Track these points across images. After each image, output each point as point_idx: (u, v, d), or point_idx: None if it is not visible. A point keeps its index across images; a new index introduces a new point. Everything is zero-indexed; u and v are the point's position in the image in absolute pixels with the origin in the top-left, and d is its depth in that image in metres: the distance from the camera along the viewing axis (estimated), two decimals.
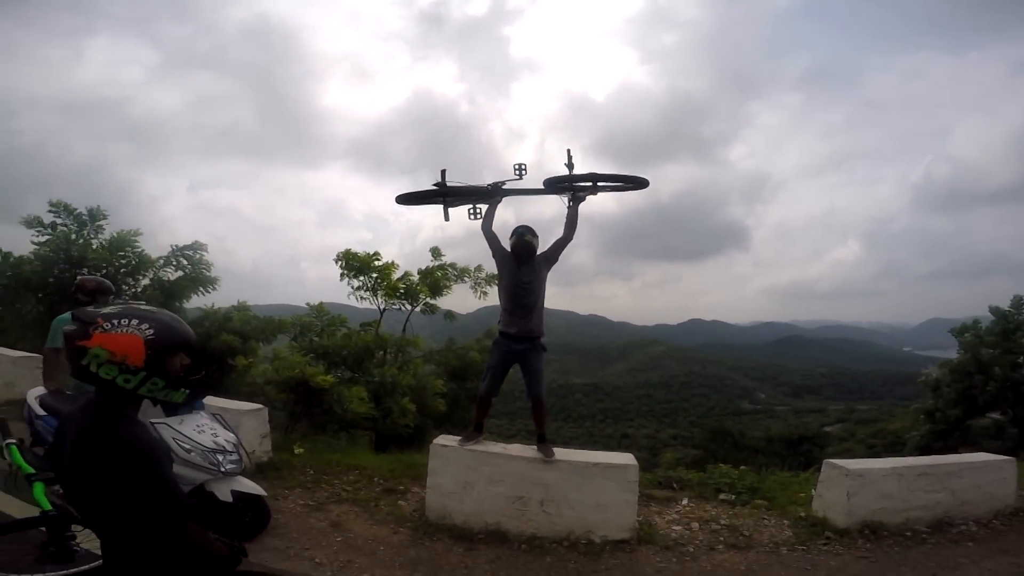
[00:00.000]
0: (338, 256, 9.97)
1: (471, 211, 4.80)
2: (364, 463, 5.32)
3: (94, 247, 8.62)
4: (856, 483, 4.24)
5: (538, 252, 4.17)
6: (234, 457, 3.62)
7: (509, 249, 4.17)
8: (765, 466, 6.73)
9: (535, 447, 4.17)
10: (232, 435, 3.77)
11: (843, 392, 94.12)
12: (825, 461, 4.72)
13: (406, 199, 4.77)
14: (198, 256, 9.21)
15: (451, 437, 4.41)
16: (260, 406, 5.26)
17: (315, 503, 4.32)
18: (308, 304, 10.20)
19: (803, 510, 4.61)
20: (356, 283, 9.99)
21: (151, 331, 1.42)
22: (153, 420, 3.59)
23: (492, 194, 4.55)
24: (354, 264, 9.82)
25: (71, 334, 1.38)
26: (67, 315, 4.18)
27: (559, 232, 4.30)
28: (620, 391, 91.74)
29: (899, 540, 3.97)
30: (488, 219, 4.33)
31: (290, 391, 6.76)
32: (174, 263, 9.19)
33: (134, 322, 1.41)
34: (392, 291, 9.91)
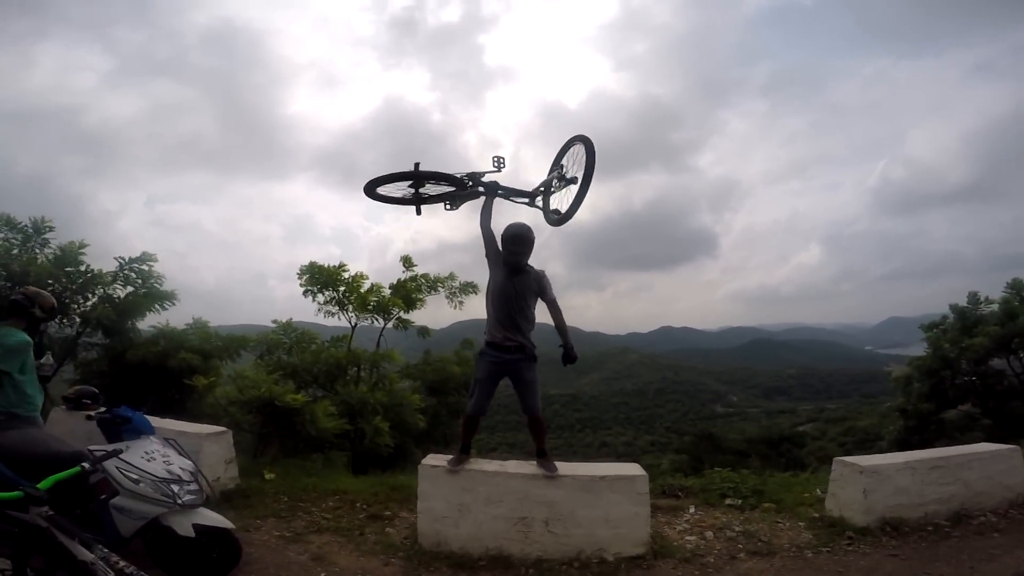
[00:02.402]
0: (301, 270, 9.46)
1: (447, 204, 4.48)
2: (344, 487, 4.84)
3: (39, 261, 7.91)
4: (872, 480, 4.06)
5: (534, 271, 3.85)
6: (192, 487, 3.15)
7: (502, 250, 3.82)
8: (751, 467, 6.56)
9: (534, 463, 3.81)
10: (188, 462, 3.30)
11: (811, 392, 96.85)
12: (835, 459, 4.54)
13: (374, 186, 4.35)
14: (147, 268, 8.56)
15: (440, 456, 4.00)
16: (223, 429, 4.75)
17: (292, 534, 3.84)
18: (275, 321, 9.61)
19: (814, 511, 4.41)
20: (322, 298, 9.47)
21: None
22: (92, 447, 3.10)
23: (477, 189, 4.24)
24: (319, 278, 9.31)
25: None
26: (23, 336, 3.53)
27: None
28: (597, 400, 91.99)
29: (923, 535, 3.80)
30: (485, 215, 3.98)
31: (257, 412, 6.20)
32: (122, 278, 8.51)
33: None
34: (362, 305, 9.42)
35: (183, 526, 3.01)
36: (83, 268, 8.16)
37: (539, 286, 3.80)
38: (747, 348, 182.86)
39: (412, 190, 4.37)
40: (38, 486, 2.00)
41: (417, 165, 4.28)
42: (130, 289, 8.52)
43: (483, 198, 4.16)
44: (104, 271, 8.40)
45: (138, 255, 8.62)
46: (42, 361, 3.80)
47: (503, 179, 4.34)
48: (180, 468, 3.14)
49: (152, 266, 8.62)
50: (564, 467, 3.75)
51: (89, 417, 3.44)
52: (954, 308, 13.90)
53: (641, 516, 3.59)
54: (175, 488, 3.01)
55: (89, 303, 8.26)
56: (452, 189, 4.38)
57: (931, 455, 4.52)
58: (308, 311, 9.59)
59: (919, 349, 14.80)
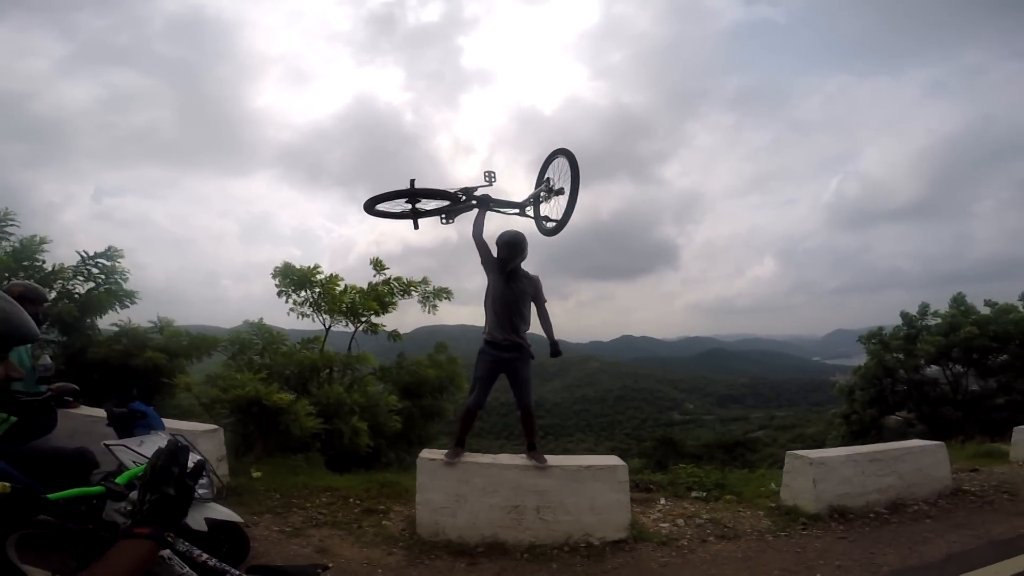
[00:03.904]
0: (275, 271, 9.46)
1: (442, 218, 4.74)
2: (334, 484, 5.00)
3: None
4: (820, 470, 4.55)
5: (529, 275, 4.18)
6: (203, 481, 3.26)
7: (497, 256, 4.13)
8: (714, 468, 7.09)
9: (524, 456, 4.11)
10: (200, 457, 3.41)
11: (762, 400, 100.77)
12: (788, 452, 5.03)
13: (374, 203, 4.60)
14: (112, 265, 8.34)
15: (437, 451, 4.25)
16: (215, 427, 4.82)
17: (291, 528, 3.98)
18: (246, 321, 9.54)
19: (771, 501, 4.87)
20: (296, 299, 9.50)
21: None
22: (108, 442, 3.18)
23: (471, 203, 4.52)
24: (293, 278, 9.35)
25: None
26: None
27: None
28: (559, 407, 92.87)
29: (867, 521, 4.29)
30: (478, 227, 4.27)
31: (241, 411, 6.23)
32: (84, 273, 8.26)
33: None
34: (336, 307, 9.49)
35: (196, 520, 3.12)
36: (42, 263, 7.91)
37: (535, 291, 4.14)
38: (703, 357, 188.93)
39: (409, 206, 4.61)
40: (118, 480, 2.13)
41: (412, 182, 4.53)
42: (91, 285, 8.28)
43: (476, 211, 4.46)
44: (65, 265, 8.16)
45: (103, 250, 8.40)
46: (40, 362, 3.80)
47: (493, 192, 4.66)
48: (192, 463, 3.25)
49: (119, 262, 8.42)
50: (552, 459, 4.07)
51: (110, 412, 3.48)
52: (904, 316, 15.00)
53: (622, 503, 3.94)
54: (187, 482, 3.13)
55: (50, 298, 8.01)
56: (446, 204, 4.65)
57: (870, 449, 5.08)
58: (263, 312, 9.59)
59: (861, 360, 15.90)
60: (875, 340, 15.02)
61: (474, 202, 4.51)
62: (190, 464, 3.07)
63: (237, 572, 2.12)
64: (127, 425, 3.41)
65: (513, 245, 4.06)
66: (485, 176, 4.53)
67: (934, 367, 14.16)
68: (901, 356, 14.11)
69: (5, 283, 7.30)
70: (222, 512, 3.27)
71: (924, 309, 14.67)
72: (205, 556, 2.17)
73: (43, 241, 8.08)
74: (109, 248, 8.44)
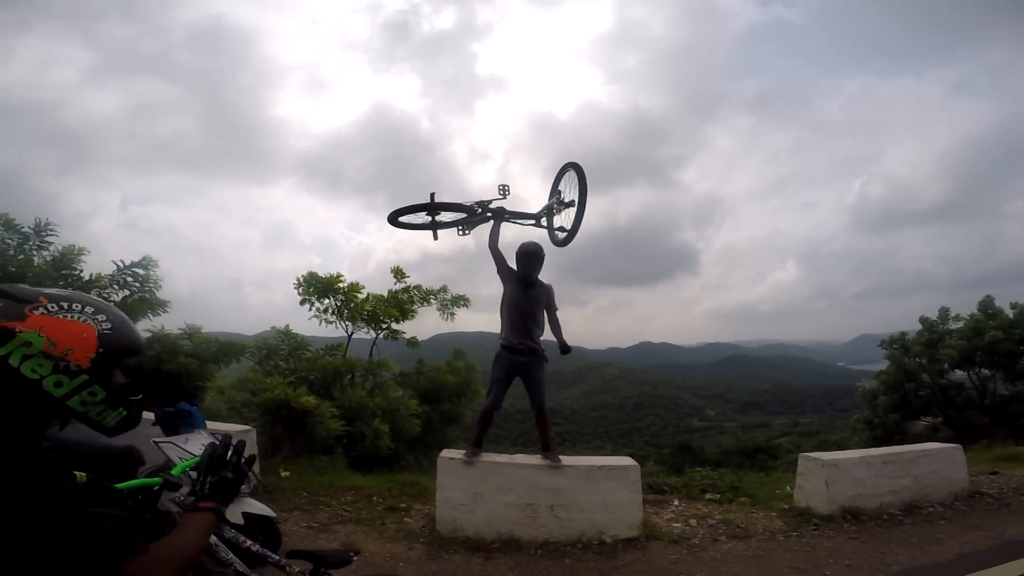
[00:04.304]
0: (299, 280, 9.83)
1: (460, 229, 4.96)
2: (358, 484, 5.22)
3: (36, 263, 8.04)
4: (832, 472, 4.61)
5: (543, 284, 4.37)
6: None
7: (514, 266, 4.33)
8: (729, 472, 7.13)
9: (539, 456, 4.28)
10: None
11: (786, 407, 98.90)
12: (801, 455, 5.09)
13: (396, 216, 4.85)
14: (147, 274, 8.74)
15: (456, 451, 4.44)
16: (248, 427, 5.08)
17: (319, 524, 4.21)
18: (273, 328, 9.91)
19: (784, 503, 4.93)
20: (320, 306, 9.84)
21: (108, 324, 1.05)
22: (157, 439, 3.44)
23: (487, 215, 4.74)
24: (318, 286, 9.70)
25: None
26: None
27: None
28: (577, 414, 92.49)
29: (879, 523, 4.34)
30: (494, 238, 4.48)
31: (270, 413, 6.52)
32: (120, 282, 8.66)
33: (88, 309, 1.04)
34: (358, 314, 9.80)
35: (233, 513, 3.35)
36: (79, 272, 8.31)
37: (548, 299, 4.33)
38: (724, 364, 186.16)
39: (429, 218, 4.85)
40: (173, 471, 2.35)
41: (432, 196, 4.78)
42: (126, 293, 8.68)
43: (492, 222, 4.68)
44: (102, 275, 8.57)
45: (139, 259, 8.81)
46: None
47: (507, 204, 4.88)
48: (246, 454, 3.49)
49: (154, 272, 8.82)
50: (566, 459, 4.23)
51: (158, 412, 3.75)
52: (923, 321, 14.77)
53: (635, 502, 4.07)
54: None
55: None
56: (464, 216, 4.88)
57: (884, 451, 5.11)
58: (285, 319, 9.94)
59: (887, 365, 15.67)
60: (897, 345, 14.80)
61: (489, 214, 4.72)
62: (245, 454, 3.33)
63: (277, 557, 2.33)
64: (174, 424, 3.67)
65: (531, 256, 4.27)
66: (499, 189, 4.75)
67: (959, 372, 13.88)
68: (924, 361, 13.87)
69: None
70: (257, 507, 3.50)
71: (944, 314, 14.44)
72: (249, 542, 2.38)
73: (80, 251, 8.51)
74: (144, 258, 8.85)
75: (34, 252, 8.22)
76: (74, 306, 1.04)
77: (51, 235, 8.46)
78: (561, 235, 4.71)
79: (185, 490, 2.34)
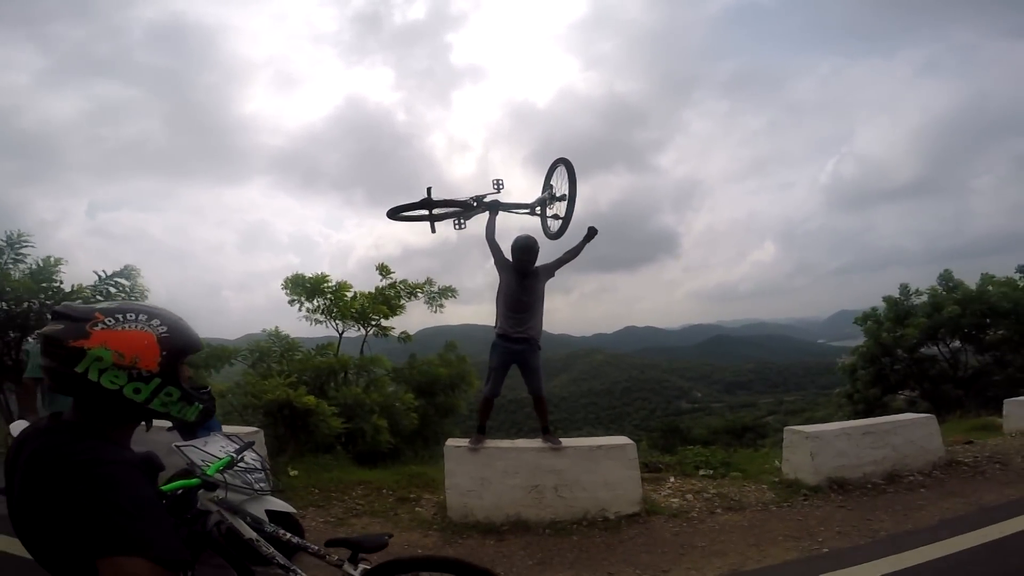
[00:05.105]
0: (285, 282, 9.89)
1: (456, 223, 5.12)
2: (366, 478, 5.37)
3: (14, 277, 7.89)
4: (816, 444, 4.89)
5: (538, 263, 4.54)
6: (261, 476, 3.63)
7: (510, 257, 4.50)
8: (719, 448, 7.45)
9: (540, 439, 4.48)
10: (256, 454, 3.77)
11: (770, 386, 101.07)
12: (786, 428, 5.37)
13: (396, 212, 4.99)
14: (131, 284, 8.65)
15: (461, 439, 4.61)
16: (256, 429, 5.19)
17: (335, 519, 4.37)
18: (264, 330, 9.96)
19: (774, 476, 5.21)
20: (310, 306, 9.90)
21: (164, 328, 1.10)
22: (177, 444, 3.54)
23: (481, 208, 4.89)
24: (306, 287, 9.77)
25: (57, 335, 1.03)
26: None
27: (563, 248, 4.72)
28: (567, 401, 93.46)
29: (864, 491, 4.63)
30: (490, 230, 4.65)
31: (272, 414, 6.62)
32: (103, 292, 8.56)
33: (141, 317, 1.10)
34: (347, 313, 9.89)
35: (258, 511, 3.48)
36: (59, 283, 8.16)
37: (547, 274, 4.59)
38: (707, 345, 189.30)
39: (426, 211, 4.98)
40: (208, 471, 2.47)
41: (429, 191, 4.92)
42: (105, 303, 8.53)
43: (487, 215, 4.84)
44: (84, 285, 8.44)
45: (120, 268, 8.69)
46: None
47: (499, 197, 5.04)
48: (251, 460, 3.62)
49: (138, 281, 8.72)
50: (566, 441, 4.45)
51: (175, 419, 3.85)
52: (887, 300, 15.24)
53: (634, 479, 4.31)
54: (250, 477, 3.50)
55: None
56: (459, 210, 5.03)
57: (863, 423, 5.41)
58: (270, 321, 9.98)
59: (864, 340, 16.16)
60: (871, 321, 15.27)
61: (484, 207, 4.88)
62: (251, 460, 3.40)
63: (316, 547, 2.47)
64: (191, 428, 3.78)
65: (527, 249, 4.45)
66: (494, 184, 4.92)
67: (929, 346, 14.42)
68: (896, 335, 14.38)
69: (25, 305, 7.64)
70: (279, 504, 3.64)
71: (906, 290, 14.90)
72: (288, 535, 2.52)
73: (58, 262, 8.34)
74: (126, 267, 8.72)
75: (10, 266, 8.04)
76: (128, 316, 1.09)
77: (26, 246, 8.29)
78: (554, 228, 4.89)
79: (221, 492, 2.47)
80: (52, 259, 8.31)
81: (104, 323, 1.05)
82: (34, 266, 8.10)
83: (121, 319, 1.07)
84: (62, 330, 1.03)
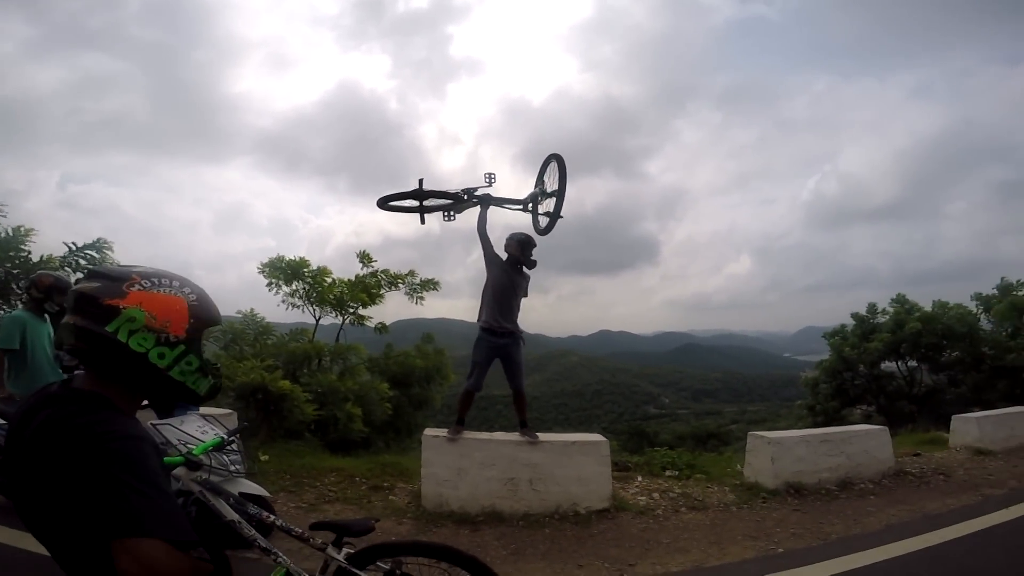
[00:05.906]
0: (262, 266, 9.76)
1: (446, 215, 5.15)
2: (339, 466, 5.38)
3: None
4: (777, 449, 5.12)
5: (524, 272, 4.67)
6: (237, 458, 3.62)
7: (506, 253, 4.58)
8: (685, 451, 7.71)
9: (517, 433, 4.58)
10: (235, 437, 3.76)
11: (735, 395, 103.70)
12: (750, 433, 5.60)
13: (386, 201, 5.00)
14: (102, 257, 8.43)
15: (439, 429, 4.67)
16: (229, 411, 5.15)
17: (307, 504, 4.37)
18: (239, 312, 9.81)
19: (736, 479, 5.42)
20: (288, 290, 9.80)
21: (194, 296, 1.12)
22: (154, 422, 3.51)
23: (473, 201, 4.94)
24: (286, 270, 9.65)
25: (94, 292, 1.04)
26: (20, 312, 3.94)
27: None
28: (538, 401, 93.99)
29: (818, 496, 4.87)
30: (482, 223, 4.70)
31: (245, 398, 6.56)
32: (72, 264, 8.33)
33: (175, 283, 1.12)
34: (325, 299, 9.80)
35: (231, 493, 3.49)
36: (28, 253, 7.93)
37: (526, 284, 4.72)
38: (678, 352, 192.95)
39: (417, 202, 5.01)
40: (195, 451, 2.48)
41: (421, 182, 4.93)
42: (79, 276, 8.34)
43: (479, 208, 4.89)
44: (53, 256, 8.21)
45: (92, 240, 8.47)
46: (59, 352, 4.07)
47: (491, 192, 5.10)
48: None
49: (109, 254, 8.51)
50: (542, 436, 4.55)
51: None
52: (856, 316, 15.97)
53: (605, 475, 4.44)
54: (225, 458, 3.49)
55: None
56: (450, 202, 5.06)
57: (821, 431, 5.68)
58: (243, 303, 9.87)
59: (828, 356, 16.87)
60: (838, 337, 15.96)
61: (476, 200, 4.93)
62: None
63: (300, 530, 2.50)
64: (167, 406, 3.74)
65: (526, 244, 4.56)
66: (485, 177, 4.96)
67: (889, 364, 15.12)
68: (859, 351, 15.05)
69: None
70: (252, 487, 3.64)
71: (872, 308, 15.67)
72: (272, 518, 2.53)
73: (29, 231, 8.11)
74: (98, 240, 8.50)
75: None
76: (163, 280, 1.10)
77: None
78: (543, 223, 4.97)
79: (204, 473, 2.47)
80: (23, 228, 8.07)
81: (141, 284, 1.07)
82: (3, 234, 7.84)
83: (157, 283, 1.09)
84: (99, 287, 1.04)
